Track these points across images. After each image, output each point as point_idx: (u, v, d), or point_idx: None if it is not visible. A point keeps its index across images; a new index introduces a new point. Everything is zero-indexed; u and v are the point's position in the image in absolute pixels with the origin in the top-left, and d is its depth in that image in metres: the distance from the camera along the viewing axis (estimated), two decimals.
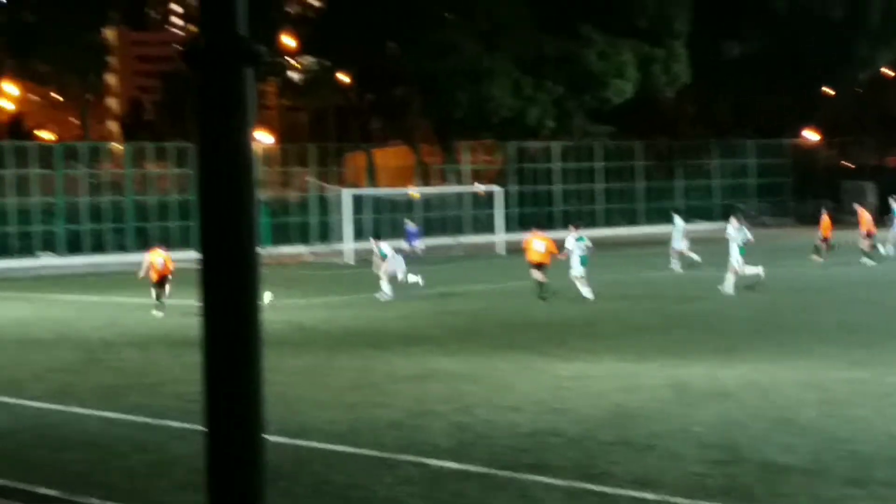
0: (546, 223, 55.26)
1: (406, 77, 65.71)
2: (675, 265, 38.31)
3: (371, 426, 14.08)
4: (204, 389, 6.64)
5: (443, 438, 13.28)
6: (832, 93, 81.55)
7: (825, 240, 40.41)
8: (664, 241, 45.65)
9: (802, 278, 34.90)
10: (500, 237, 52.02)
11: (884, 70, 78.05)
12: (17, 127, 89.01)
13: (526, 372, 18.00)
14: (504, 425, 13.90)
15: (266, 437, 6.87)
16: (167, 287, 29.18)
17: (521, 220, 65.68)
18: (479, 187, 61.40)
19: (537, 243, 30.43)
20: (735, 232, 31.16)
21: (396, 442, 13.15)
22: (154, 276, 29.37)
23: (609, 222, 67.20)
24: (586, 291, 29.25)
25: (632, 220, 69.36)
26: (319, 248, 54.56)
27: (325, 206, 56.74)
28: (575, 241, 29.76)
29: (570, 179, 69.85)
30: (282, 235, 59.49)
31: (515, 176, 68.21)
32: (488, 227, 56.85)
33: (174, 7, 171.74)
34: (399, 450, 12.74)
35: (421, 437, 13.42)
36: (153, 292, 29.08)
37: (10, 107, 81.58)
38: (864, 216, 39.98)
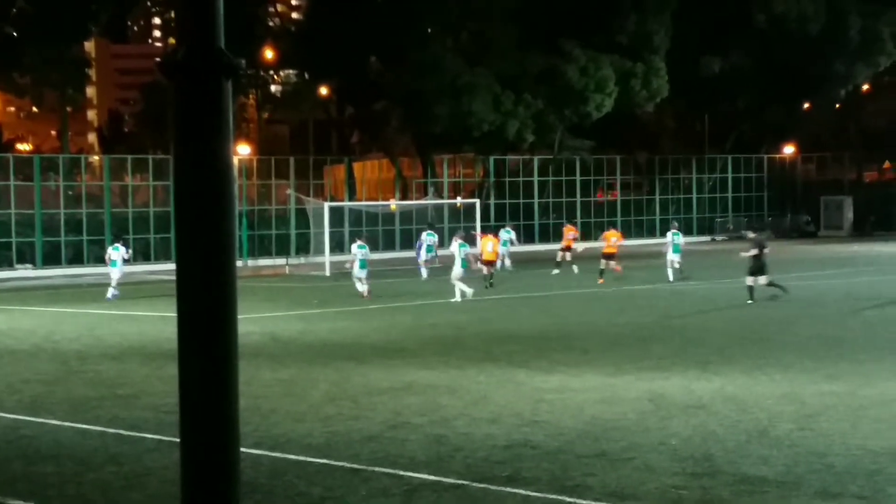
0: (527, 237, 55.37)
1: (387, 91, 65.75)
2: (671, 275, 38.66)
3: (347, 438, 14.08)
4: (179, 401, 6.64)
5: (419, 451, 13.29)
6: (811, 108, 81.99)
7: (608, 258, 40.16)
8: (643, 255, 45.81)
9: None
10: (479, 250, 51.93)
11: (862, 86, 78.51)
12: None
13: (504, 384, 18.02)
14: (481, 438, 13.92)
15: (241, 449, 6.88)
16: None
17: (500, 233, 65.83)
18: (458, 201, 61.47)
19: (489, 244, 39.82)
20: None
21: (372, 454, 13.15)
22: None
23: (588, 236, 67.31)
24: (460, 292, 33.01)
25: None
26: (299, 260, 54.47)
27: (305, 219, 56.64)
28: (458, 248, 34.54)
29: (550, 193, 69.99)
30: (261, 248, 59.42)
31: (495, 189, 68.32)
32: (468, 240, 56.77)
33: (155, 20, 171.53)
34: (375, 462, 12.75)
35: (397, 449, 13.43)
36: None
37: None
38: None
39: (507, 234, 48.73)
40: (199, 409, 6.51)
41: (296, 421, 15.36)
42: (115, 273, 36.77)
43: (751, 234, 35.15)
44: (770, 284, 31.23)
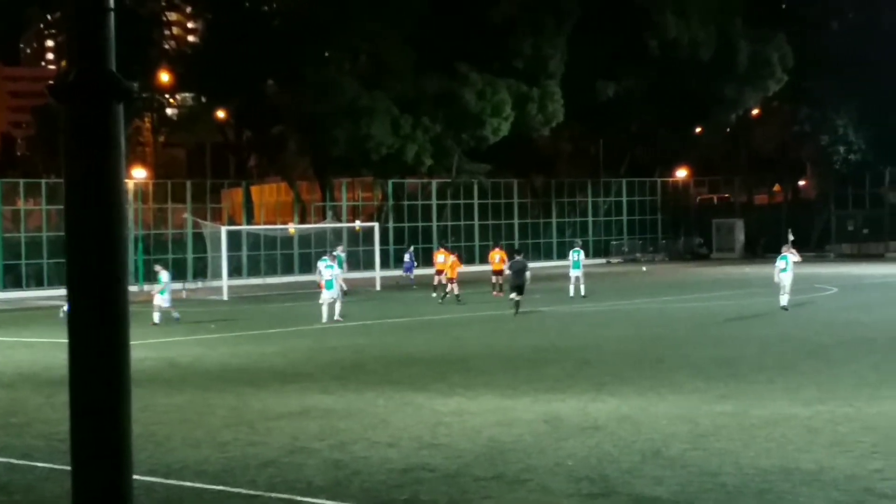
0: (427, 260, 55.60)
1: (284, 114, 65.50)
2: (571, 291, 41.05)
3: (244, 465, 13.97)
4: (70, 429, 6.56)
5: (317, 476, 13.24)
6: (703, 132, 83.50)
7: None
8: (541, 278, 46.14)
9: (679, 313, 35.60)
10: (377, 273, 52.02)
11: (752, 111, 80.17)
12: None
13: (403, 408, 18.03)
14: (379, 461, 13.91)
15: (135, 476, 6.81)
16: None
17: (399, 257, 65.98)
18: (357, 224, 61.42)
19: (440, 257, 44.14)
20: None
21: (270, 480, 13.06)
22: None
23: (486, 259, 67.67)
24: (326, 314, 33.70)
25: (509, 256, 69.85)
26: (196, 284, 53.91)
27: (202, 243, 56.10)
28: (325, 268, 35.01)
29: (448, 216, 70.29)
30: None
31: (394, 213, 68.41)
32: (367, 264, 56.98)
33: (48, 42, 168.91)
34: (272, 488, 12.66)
35: (295, 474, 13.36)
36: None
37: None
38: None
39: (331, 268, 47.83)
40: (91, 437, 6.43)
41: (192, 447, 15.20)
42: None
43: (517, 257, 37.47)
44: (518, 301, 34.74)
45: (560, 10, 66.14)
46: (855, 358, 23.38)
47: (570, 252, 42.55)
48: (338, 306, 34.30)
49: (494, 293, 42.36)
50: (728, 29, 71.15)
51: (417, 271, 53.35)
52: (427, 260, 63.84)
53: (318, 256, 58.44)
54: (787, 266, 34.77)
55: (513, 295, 35.15)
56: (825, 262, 66.50)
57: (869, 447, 14.12)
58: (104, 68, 6.24)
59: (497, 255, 44.51)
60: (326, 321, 33.53)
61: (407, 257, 54.49)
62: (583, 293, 40.79)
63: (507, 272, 37.57)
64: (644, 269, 63.25)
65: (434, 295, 43.52)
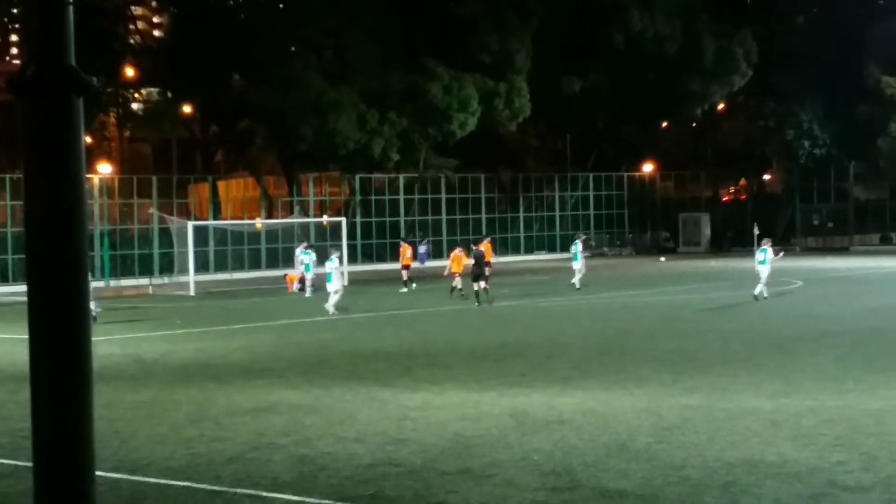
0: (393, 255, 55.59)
1: (251, 109, 65.26)
2: (577, 283, 42.27)
3: (209, 460, 13.93)
4: (32, 425, 6.52)
5: (283, 471, 13.21)
6: (669, 127, 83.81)
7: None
8: (509, 272, 46.25)
9: (646, 307, 35.77)
10: (345, 268, 51.90)
11: (718, 105, 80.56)
12: None
13: (369, 402, 18.02)
14: (345, 457, 13.90)
15: (100, 473, 6.78)
16: None
17: (366, 251, 65.85)
18: (325, 219, 61.34)
19: (408, 252, 47.27)
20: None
21: (235, 476, 13.03)
22: None
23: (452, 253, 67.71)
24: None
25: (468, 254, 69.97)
26: (162, 280, 53.68)
27: (168, 238, 55.85)
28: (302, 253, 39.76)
29: (416, 211, 70.29)
30: (123, 268, 58.43)
31: (361, 208, 68.33)
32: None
33: (12, 37, 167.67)
34: (237, 483, 12.63)
35: (260, 470, 13.33)
36: None
37: None
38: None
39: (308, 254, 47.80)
40: (53, 433, 6.39)
41: (157, 443, 15.14)
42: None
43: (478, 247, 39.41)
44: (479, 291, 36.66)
45: (523, 5, 66.16)
46: (819, 351, 23.55)
47: (572, 245, 44.14)
48: (334, 298, 34.60)
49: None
50: (693, 24, 71.41)
51: (392, 266, 53.49)
52: (394, 254, 63.93)
53: (286, 252, 58.65)
54: (765, 258, 35.89)
55: (475, 285, 36.55)
56: (791, 255, 66.87)
57: (832, 440, 14.23)
58: (63, 62, 6.20)
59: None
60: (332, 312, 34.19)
61: (422, 248, 57.42)
62: (577, 285, 41.85)
63: (469, 261, 38.79)
64: (662, 259, 66.90)
65: (404, 290, 43.69)
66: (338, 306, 34.56)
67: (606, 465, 13.11)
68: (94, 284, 36.46)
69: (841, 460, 13.09)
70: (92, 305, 34.20)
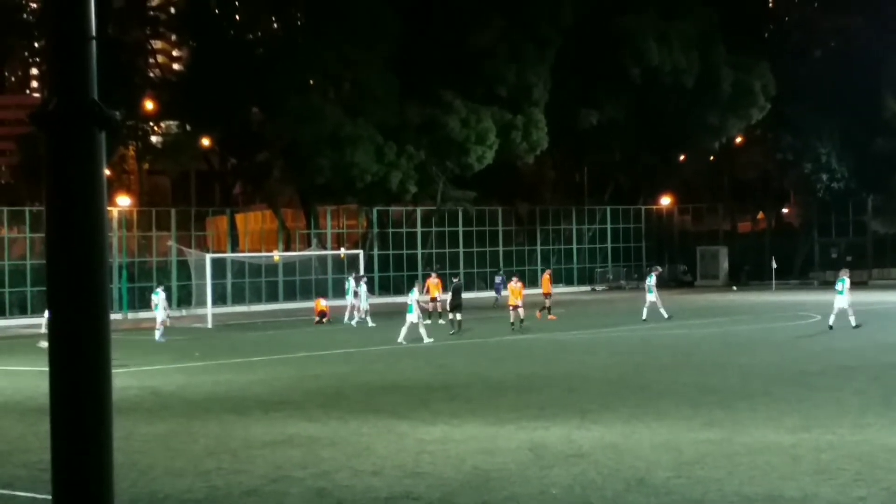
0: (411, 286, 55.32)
1: (269, 142, 65.55)
2: (663, 313, 42.40)
3: (227, 493, 13.90)
4: (51, 458, 6.51)
5: None
6: (686, 160, 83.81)
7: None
8: (526, 305, 46.07)
9: (663, 340, 35.64)
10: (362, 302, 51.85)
11: (735, 138, 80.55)
12: None
13: (387, 435, 17.97)
14: (363, 490, 13.85)
15: None
16: None
17: (384, 284, 65.87)
18: (342, 251, 61.43)
19: (434, 285, 46.30)
20: None
21: None
22: None
23: (471, 286, 67.73)
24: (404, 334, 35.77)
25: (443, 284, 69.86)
26: (180, 312, 53.77)
27: (187, 271, 55.99)
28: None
29: (433, 244, 70.31)
30: (141, 300, 58.53)
31: (378, 240, 68.40)
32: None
33: (33, 70, 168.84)
34: None
35: (278, 503, 13.29)
36: None
37: None
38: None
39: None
40: (71, 466, 6.38)
41: (174, 476, 15.12)
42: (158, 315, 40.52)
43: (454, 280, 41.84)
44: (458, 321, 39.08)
45: (540, 37, 66.38)
46: (838, 385, 23.40)
47: (646, 278, 44.77)
48: (422, 329, 35.90)
49: (538, 313, 44.37)
50: (711, 56, 71.52)
51: (400, 298, 53.28)
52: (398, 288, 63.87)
53: (304, 284, 58.75)
54: (843, 289, 36.75)
55: (451, 315, 39.58)
56: (809, 289, 66.64)
57: (852, 475, 14.12)
58: (86, 96, 6.22)
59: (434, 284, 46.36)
60: (402, 340, 35.30)
61: (498, 279, 59.97)
62: (644, 317, 42.24)
63: (446, 296, 41.34)
64: (734, 288, 67.79)
65: (428, 322, 43.46)
66: (429, 335, 35.99)
67: (625, 499, 13.02)
68: (113, 317, 36.46)
69: (861, 496, 12.98)
70: (157, 335, 35.56)
